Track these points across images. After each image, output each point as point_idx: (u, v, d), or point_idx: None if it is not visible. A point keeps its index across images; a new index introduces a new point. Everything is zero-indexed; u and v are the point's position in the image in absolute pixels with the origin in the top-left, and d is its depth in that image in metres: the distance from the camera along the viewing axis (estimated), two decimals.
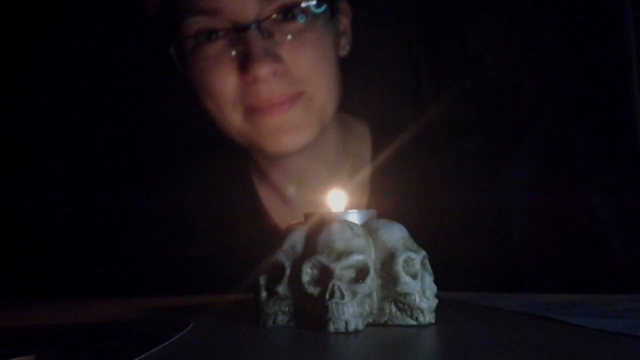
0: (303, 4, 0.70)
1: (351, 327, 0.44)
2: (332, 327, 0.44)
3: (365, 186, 0.80)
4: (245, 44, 0.68)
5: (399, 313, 0.46)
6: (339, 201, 0.51)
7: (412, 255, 0.46)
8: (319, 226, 0.48)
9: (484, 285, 0.67)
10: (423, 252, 0.47)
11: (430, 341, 0.43)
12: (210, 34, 0.70)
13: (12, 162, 0.97)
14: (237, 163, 0.83)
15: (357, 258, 0.45)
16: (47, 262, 0.91)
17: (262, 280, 0.48)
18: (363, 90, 0.89)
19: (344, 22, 0.78)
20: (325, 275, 0.45)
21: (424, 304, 0.46)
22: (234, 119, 0.72)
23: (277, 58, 0.69)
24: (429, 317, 0.46)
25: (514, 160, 0.85)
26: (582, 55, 0.84)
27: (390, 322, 0.46)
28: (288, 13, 0.69)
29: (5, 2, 0.98)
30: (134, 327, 0.52)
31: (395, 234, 0.47)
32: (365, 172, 0.80)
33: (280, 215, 0.81)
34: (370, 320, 0.46)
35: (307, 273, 0.46)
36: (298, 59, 0.70)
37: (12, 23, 0.98)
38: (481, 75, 0.87)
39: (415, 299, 0.46)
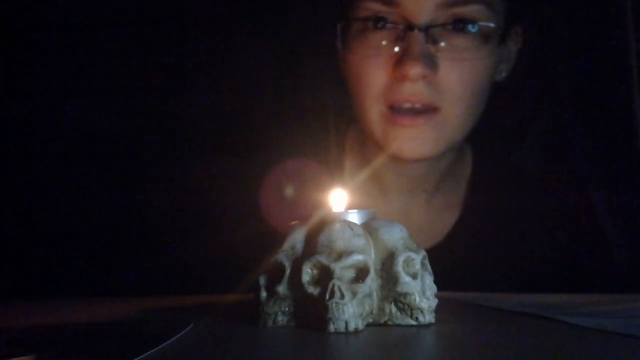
0: (480, 23, 0.70)
1: (351, 327, 0.44)
2: (332, 327, 0.44)
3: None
4: (408, 43, 0.70)
5: (399, 313, 0.46)
6: (339, 201, 0.51)
7: (412, 255, 0.46)
8: (319, 226, 0.48)
9: (486, 285, 0.67)
10: (423, 252, 0.47)
11: (430, 341, 0.43)
12: (377, 22, 0.71)
13: (12, 162, 0.97)
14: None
15: (357, 258, 0.45)
16: (47, 262, 0.91)
17: (262, 280, 0.48)
18: None
19: (511, 48, 0.78)
20: (325, 275, 0.45)
21: (424, 304, 0.46)
22: (371, 112, 0.73)
23: (432, 65, 0.70)
24: (429, 317, 0.46)
25: (513, 159, 0.85)
26: (582, 55, 0.84)
27: (390, 322, 0.46)
28: (459, 25, 0.70)
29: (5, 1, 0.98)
30: (134, 327, 0.52)
31: (395, 234, 0.47)
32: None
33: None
34: (370, 320, 0.46)
35: (307, 273, 0.46)
36: (450, 73, 0.71)
37: (12, 22, 0.98)
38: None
39: (415, 299, 0.46)
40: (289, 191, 0.82)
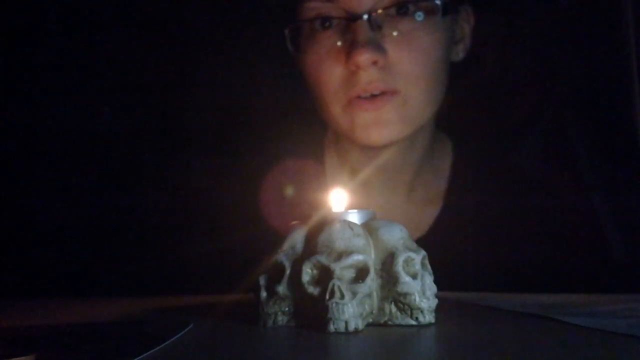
0: (421, 3, 0.72)
1: (351, 327, 0.44)
2: (332, 327, 0.44)
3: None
4: (353, 34, 0.71)
5: (399, 313, 0.46)
6: (339, 201, 0.51)
7: (412, 255, 0.46)
8: (319, 226, 0.48)
9: (485, 285, 0.67)
10: (423, 252, 0.47)
11: (430, 341, 0.43)
12: (324, 21, 0.73)
13: (12, 162, 0.97)
14: (311, 139, 0.86)
15: (357, 258, 0.45)
16: (47, 262, 0.91)
17: (262, 280, 0.48)
18: None
19: (465, 28, 0.79)
20: (325, 275, 0.45)
21: (424, 304, 0.46)
22: (334, 108, 0.75)
23: (380, 49, 0.71)
24: (429, 317, 0.46)
25: (513, 159, 0.85)
26: (582, 55, 0.84)
27: (390, 322, 0.46)
28: (401, 8, 0.72)
29: (5, 1, 0.98)
30: (134, 327, 0.52)
31: (395, 234, 0.47)
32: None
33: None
34: (370, 320, 0.46)
35: (307, 273, 0.46)
36: (401, 55, 0.72)
37: (12, 22, 0.98)
38: (481, 75, 0.87)
39: (415, 299, 0.46)
40: (289, 191, 0.83)
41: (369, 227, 0.48)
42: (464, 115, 0.84)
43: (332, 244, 0.46)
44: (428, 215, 0.82)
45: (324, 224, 0.47)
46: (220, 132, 0.91)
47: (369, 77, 0.71)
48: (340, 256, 0.45)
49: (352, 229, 0.47)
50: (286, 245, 0.48)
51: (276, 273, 0.47)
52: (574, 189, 0.82)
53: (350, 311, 0.44)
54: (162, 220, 0.87)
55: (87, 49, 0.97)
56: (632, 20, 0.79)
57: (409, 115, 0.75)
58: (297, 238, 0.48)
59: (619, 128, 0.82)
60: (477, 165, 0.84)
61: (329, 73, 0.74)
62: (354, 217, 0.49)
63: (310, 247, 0.47)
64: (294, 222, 0.50)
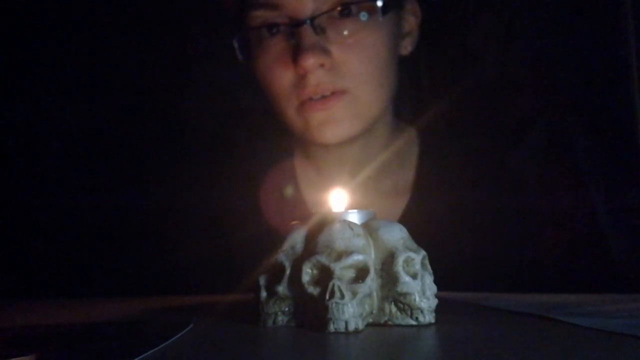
0: (363, 4, 0.73)
1: (351, 327, 0.44)
2: (332, 327, 0.44)
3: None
4: (298, 38, 0.72)
5: (399, 313, 0.46)
6: (339, 201, 0.51)
7: (412, 255, 0.46)
8: (319, 226, 0.48)
9: (485, 285, 0.66)
10: (423, 252, 0.47)
11: (430, 341, 0.43)
12: (271, 28, 0.75)
13: (13, 162, 0.97)
14: (281, 144, 0.87)
15: (357, 258, 0.45)
16: (47, 262, 0.91)
17: (262, 280, 0.48)
18: None
19: (411, 22, 0.81)
20: (325, 275, 0.45)
21: (424, 304, 0.46)
22: (287, 111, 0.77)
23: (325, 52, 0.72)
24: (429, 317, 0.46)
25: (513, 160, 0.85)
26: (582, 55, 0.84)
27: (390, 322, 0.46)
28: (344, 10, 0.73)
29: (6, 1, 0.98)
30: (134, 327, 0.52)
31: (395, 234, 0.47)
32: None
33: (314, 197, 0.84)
34: (370, 320, 0.46)
35: (307, 273, 0.46)
36: (347, 56, 0.74)
37: (12, 22, 0.98)
38: (481, 75, 0.87)
39: (415, 299, 0.46)
40: (289, 191, 0.83)
41: (369, 227, 0.48)
42: (434, 109, 0.84)
43: (332, 244, 0.46)
44: (396, 207, 0.82)
45: (324, 224, 0.47)
46: (224, 132, 0.91)
47: (317, 79, 0.73)
48: (340, 256, 0.45)
49: (352, 229, 0.47)
50: (286, 245, 0.48)
51: (276, 273, 0.47)
52: (573, 189, 0.82)
53: (350, 311, 0.44)
54: (163, 220, 0.87)
55: (88, 49, 0.97)
56: (632, 20, 0.79)
57: (359, 113, 0.76)
58: (297, 238, 0.48)
59: (619, 128, 0.82)
60: (445, 157, 0.84)
61: (279, 78, 0.75)
62: (354, 217, 0.49)
63: (310, 247, 0.47)
64: (294, 222, 0.50)
